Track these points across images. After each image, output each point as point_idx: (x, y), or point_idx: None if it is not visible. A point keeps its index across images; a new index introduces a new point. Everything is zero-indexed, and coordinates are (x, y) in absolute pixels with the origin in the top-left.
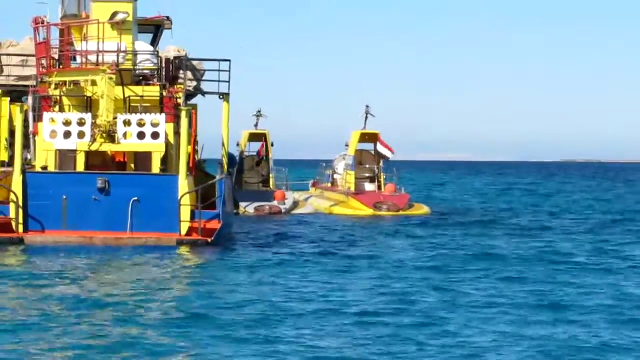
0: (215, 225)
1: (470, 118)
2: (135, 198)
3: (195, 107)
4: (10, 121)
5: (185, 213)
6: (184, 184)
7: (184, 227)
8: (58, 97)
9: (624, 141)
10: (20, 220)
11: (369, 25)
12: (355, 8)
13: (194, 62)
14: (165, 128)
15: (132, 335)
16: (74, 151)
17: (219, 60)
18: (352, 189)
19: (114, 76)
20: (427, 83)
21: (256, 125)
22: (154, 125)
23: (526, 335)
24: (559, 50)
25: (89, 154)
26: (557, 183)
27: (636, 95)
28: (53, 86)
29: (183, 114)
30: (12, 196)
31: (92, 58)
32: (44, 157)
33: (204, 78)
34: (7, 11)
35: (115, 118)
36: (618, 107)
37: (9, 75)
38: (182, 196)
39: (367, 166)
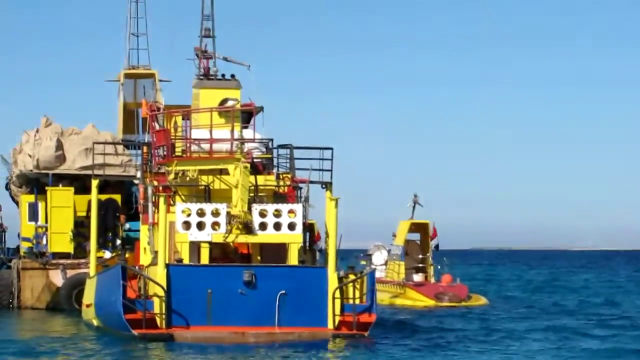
0: (368, 318)
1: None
2: (283, 291)
3: None
4: (75, 212)
5: (337, 306)
6: (333, 276)
7: (335, 321)
8: (176, 187)
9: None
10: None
11: None
12: None
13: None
14: None
15: None
16: (199, 242)
17: (322, 149)
18: (404, 279)
19: (248, 165)
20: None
21: None
22: (291, 215)
23: None
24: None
25: (212, 246)
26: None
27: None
28: (172, 175)
29: (332, 204)
30: (158, 290)
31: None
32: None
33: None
34: (68, 99)
35: (249, 208)
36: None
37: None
38: (335, 289)
39: (420, 256)
